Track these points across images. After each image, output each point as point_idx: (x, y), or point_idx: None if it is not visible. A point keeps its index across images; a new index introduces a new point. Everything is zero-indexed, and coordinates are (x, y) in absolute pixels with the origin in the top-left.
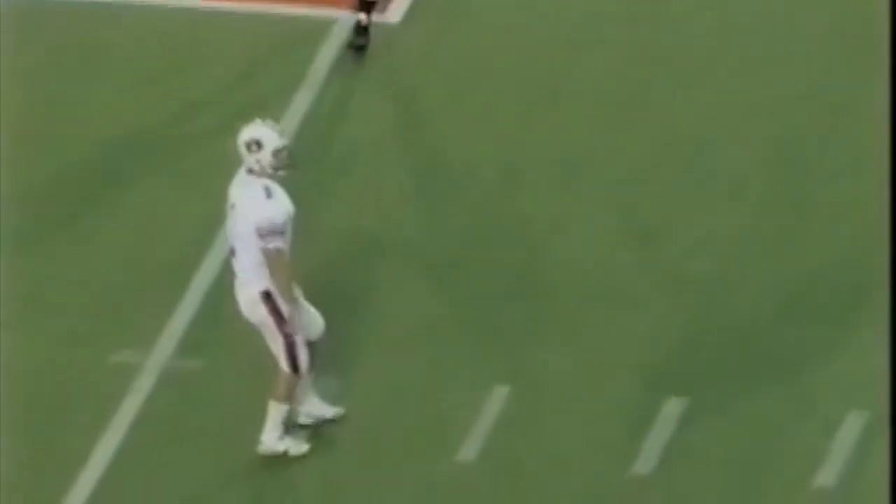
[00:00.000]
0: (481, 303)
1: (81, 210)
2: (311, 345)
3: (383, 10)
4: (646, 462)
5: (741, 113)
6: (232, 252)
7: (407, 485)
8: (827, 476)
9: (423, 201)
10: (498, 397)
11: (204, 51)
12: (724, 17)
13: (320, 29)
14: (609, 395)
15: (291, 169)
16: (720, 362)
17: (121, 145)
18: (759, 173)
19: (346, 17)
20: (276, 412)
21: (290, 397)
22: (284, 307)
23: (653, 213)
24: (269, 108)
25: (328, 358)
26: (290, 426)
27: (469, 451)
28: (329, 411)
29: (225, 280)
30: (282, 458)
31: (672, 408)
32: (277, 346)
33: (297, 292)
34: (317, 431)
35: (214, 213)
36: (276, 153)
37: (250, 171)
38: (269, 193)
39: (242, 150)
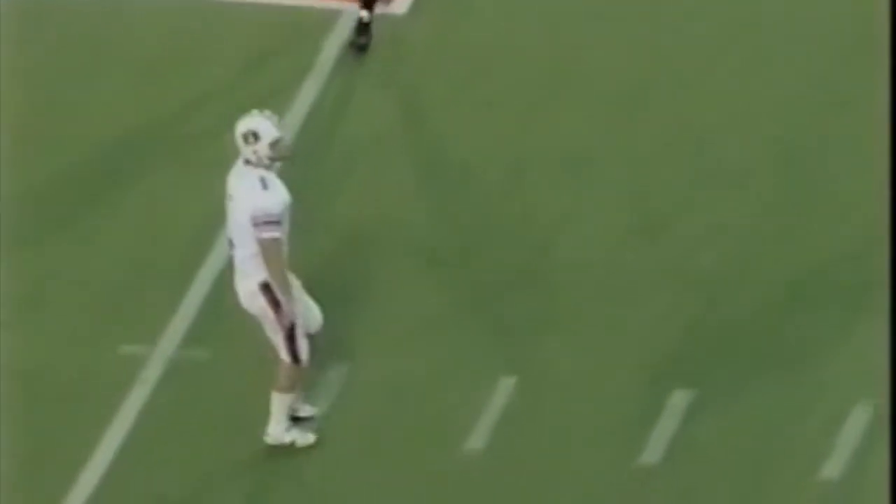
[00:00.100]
0: (487, 295)
1: (83, 207)
2: (309, 338)
3: (389, 1)
4: (652, 453)
5: (744, 110)
6: (231, 244)
7: (414, 476)
8: (833, 468)
9: (428, 195)
10: (504, 388)
11: (207, 45)
12: (728, 15)
13: (325, 21)
14: (615, 386)
15: (288, 160)
16: (726, 355)
17: (124, 141)
18: (763, 169)
19: (352, 10)
20: (280, 403)
21: (293, 387)
22: (282, 297)
23: (657, 208)
24: (273, 103)
25: (337, 350)
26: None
27: (475, 441)
28: (307, 410)
29: (229, 272)
30: (288, 449)
31: (678, 400)
32: (277, 337)
33: (297, 284)
34: (324, 423)
35: (218, 207)
36: (273, 144)
37: (247, 161)
38: (265, 184)
39: (240, 141)
